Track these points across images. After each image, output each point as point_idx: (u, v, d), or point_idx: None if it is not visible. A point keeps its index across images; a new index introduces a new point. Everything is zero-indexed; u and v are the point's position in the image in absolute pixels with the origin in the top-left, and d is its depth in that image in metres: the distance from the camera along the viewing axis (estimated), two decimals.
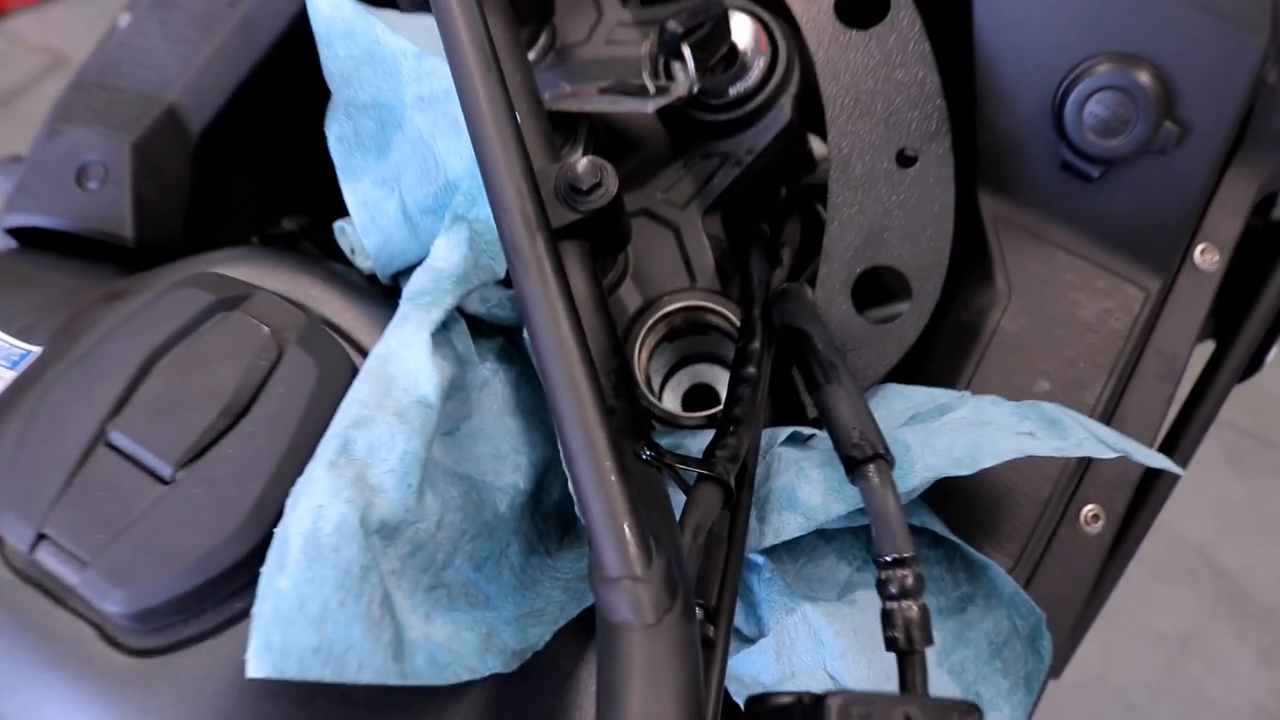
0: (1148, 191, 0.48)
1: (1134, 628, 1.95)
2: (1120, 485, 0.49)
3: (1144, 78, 0.46)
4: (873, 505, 0.34)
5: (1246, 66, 0.46)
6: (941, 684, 0.41)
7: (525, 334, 0.39)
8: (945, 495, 0.45)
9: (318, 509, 0.29)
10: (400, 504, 0.30)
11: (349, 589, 0.29)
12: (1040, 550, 0.48)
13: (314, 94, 0.56)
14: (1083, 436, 0.38)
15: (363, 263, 0.43)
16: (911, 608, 0.32)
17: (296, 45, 0.56)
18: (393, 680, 0.29)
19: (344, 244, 0.44)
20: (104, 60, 0.57)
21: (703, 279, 0.47)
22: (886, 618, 0.32)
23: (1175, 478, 0.60)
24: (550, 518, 0.39)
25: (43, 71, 2.55)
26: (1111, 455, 0.38)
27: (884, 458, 0.35)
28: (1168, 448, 0.61)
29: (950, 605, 0.43)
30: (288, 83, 0.57)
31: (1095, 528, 0.48)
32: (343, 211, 0.45)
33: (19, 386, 0.37)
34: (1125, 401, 0.50)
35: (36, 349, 0.40)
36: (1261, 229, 0.62)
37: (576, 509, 0.35)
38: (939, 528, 0.43)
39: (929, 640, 0.32)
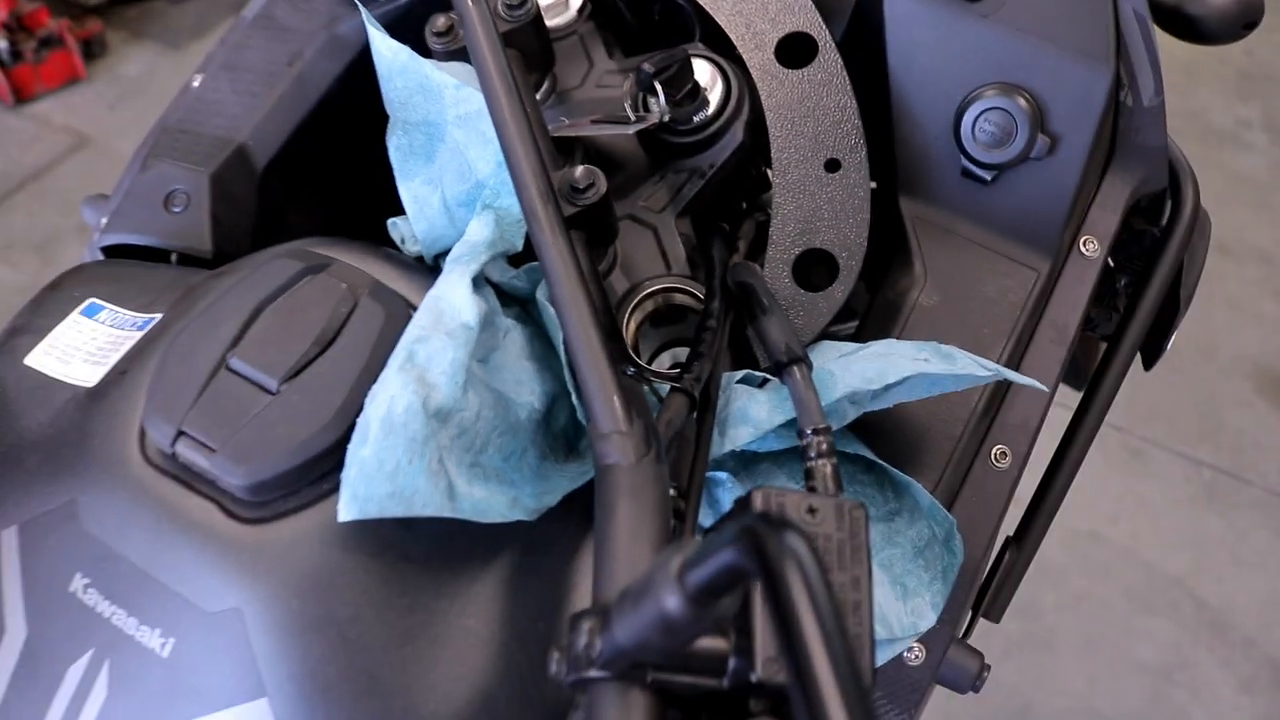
0: (1031, 190, 0.60)
1: (1118, 658, 2.02)
2: (1023, 429, 0.60)
3: (1021, 101, 0.58)
4: (795, 394, 0.45)
5: (1099, 89, 0.58)
6: (874, 573, 0.52)
7: (538, 293, 0.50)
8: (875, 431, 0.57)
9: (390, 398, 0.41)
10: (450, 396, 0.41)
11: (415, 451, 0.40)
12: (958, 482, 0.58)
13: (355, 137, 0.69)
14: (967, 363, 0.49)
15: (411, 248, 0.55)
16: (826, 465, 0.43)
17: (341, 97, 0.69)
18: (447, 513, 0.40)
19: (395, 235, 0.56)
20: (183, 111, 0.70)
21: (677, 267, 0.59)
22: (807, 474, 0.43)
23: (1089, 436, 0.71)
24: (558, 438, 0.50)
25: (67, 151, 2.70)
26: (988, 375, 0.49)
27: (804, 360, 0.46)
28: (1073, 426, 0.72)
29: (880, 516, 0.54)
30: (334, 127, 0.69)
31: (1004, 464, 0.59)
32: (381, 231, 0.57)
33: (151, 336, 0.49)
34: (1025, 362, 0.61)
35: (157, 315, 0.51)
36: (1153, 236, 0.74)
37: (578, 412, 0.47)
38: (869, 455, 0.54)
39: (840, 489, 0.43)
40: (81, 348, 0.52)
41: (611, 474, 0.39)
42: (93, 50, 2.87)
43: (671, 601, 0.27)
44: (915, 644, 0.57)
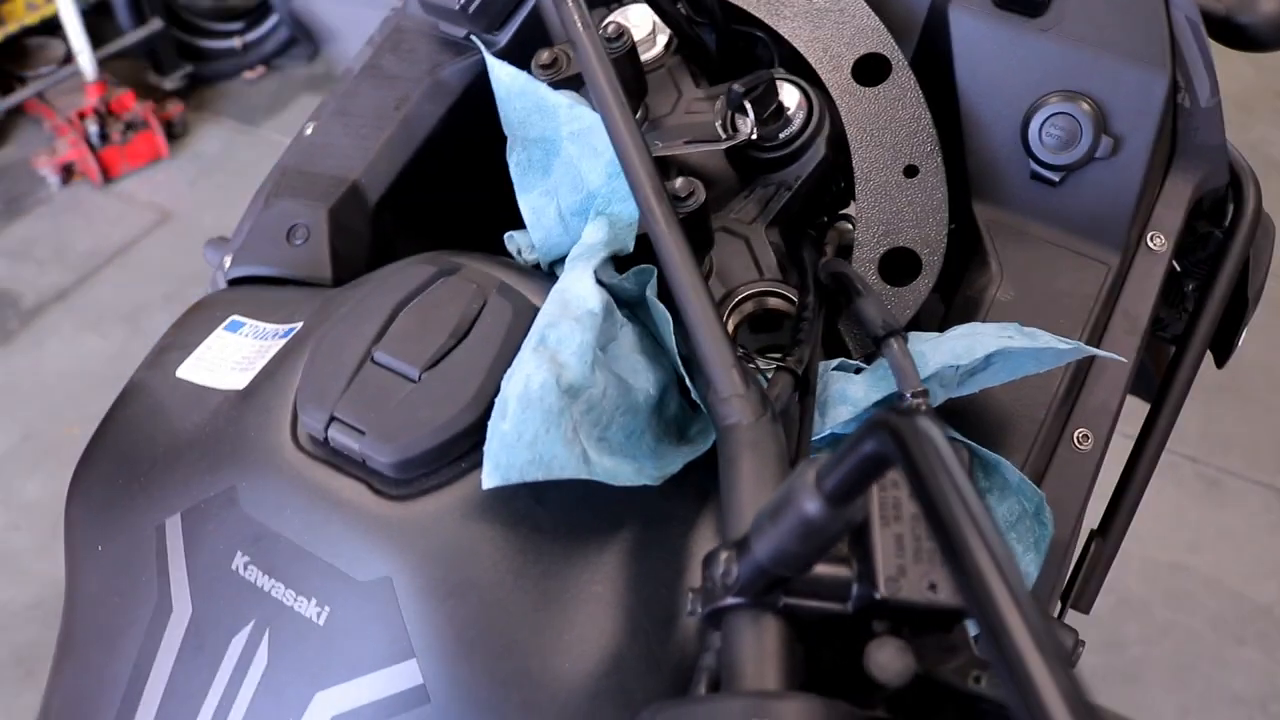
0: (1098, 189, 0.64)
1: (1210, 690, 1.98)
2: (1104, 412, 0.63)
3: (1084, 105, 0.62)
4: (894, 362, 0.49)
5: (1158, 92, 0.62)
6: None
7: (647, 292, 0.54)
8: (962, 417, 0.60)
9: (527, 376, 0.45)
10: (580, 374, 0.46)
11: (551, 422, 0.44)
12: (1043, 463, 0.61)
13: (458, 172, 0.74)
14: (1048, 340, 0.53)
15: (527, 257, 0.60)
16: None
17: (445, 136, 0.75)
18: (584, 475, 0.45)
19: (511, 247, 0.61)
20: (299, 154, 0.76)
21: (769, 274, 0.63)
22: None
23: (1166, 430, 0.74)
24: (670, 425, 0.54)
25: (152, 226, 2.83)
26: (1069, 349, 0.52)
27: (900, 333, 0.50)
28: (1153, 415, 0.75)
29: None
30: (439, 163, 0.75)
31: (1086, 446, 0.62)
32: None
33: (296, 341, 0.54)
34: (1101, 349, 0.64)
35: (298, 324, 0.57)
36: (1218, 238, 0.77)
37: (692, 393, 0.51)
38: (958, 436, 0.57)
39: None
40: (228, 358, 0.57)
41: (733, 432, 0.43)
42: (174, 130, 3.02)
43: (811, 505, 0.30)
44: None
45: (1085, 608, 0.74)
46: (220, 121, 3.15)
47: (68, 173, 2.89)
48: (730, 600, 0.37)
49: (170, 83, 3.09)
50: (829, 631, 0.38)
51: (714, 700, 0.34)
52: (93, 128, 2.80)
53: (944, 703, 0.38)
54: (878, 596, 0.36)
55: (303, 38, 3.25)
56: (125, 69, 3.06)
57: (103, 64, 2.84)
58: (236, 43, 3.24)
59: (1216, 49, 0.70)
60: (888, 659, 0.36)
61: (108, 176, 2.88)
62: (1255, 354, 2.59)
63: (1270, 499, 2.31)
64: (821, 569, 0.37)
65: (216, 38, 3.24)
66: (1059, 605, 0.74)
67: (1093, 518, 0.77)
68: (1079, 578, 0.73)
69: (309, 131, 0.78)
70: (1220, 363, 0.85)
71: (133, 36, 2.94)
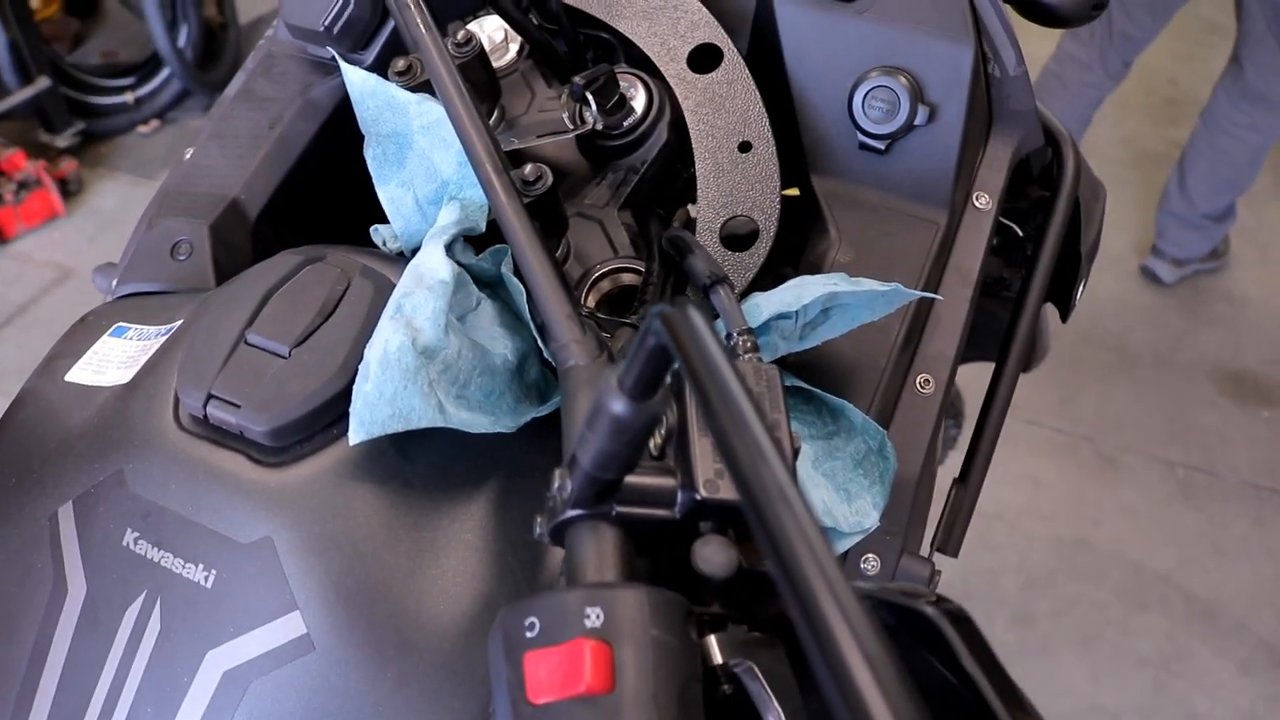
0: (921, 154, 0.70)
1: (1116, 655, 2.07)
2: (942, 360, 0.68)
3: (902, 79, 0.68)
4: (720, 306, 0.54)
5: (965, 62, 0.68)
6: (818, 482, 0.60)
7: (503, 268, 0.58)
8: (809, 369, 0.65)
9: (385, 341, 0.49)
10: (435, 337, 0.50)
11: (409, 378, 0.48)
12: (889, 407, 0.67)
13: (332, 184, 0.78)
14: (870, 284, 0.58)
15: (392, 247, 0.64)
16: (751, 359, 0.51)
17: (318, 151, 0.78)
18: (440, 424, 0.48)
19: (377, 239, 0.65)
20: (179, 177, 0.79)
21: (622, 251, 0.68)
22: None
23: (1013, 377, 0.80)
24: (531, 388, 0.58)
25: (51, 284, 2.78)
26: (888, 289, 0.58)
27: (726, 280, 0.55)
28: (999, 366, 0.81)
29: (820, 436, 0.62)
30: (313, 177, 0.79)
31: (928, 390, 0.67)
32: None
33: (175, 336, 0.57)
34: (935, 304, 0.70)
35: (178, 323, 0.60)
36: (1044, 198, 0.84)
37: (544, 353, 0.55)
38: (805, 385, 0.62)
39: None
40: (114, 359, 0.60)
41: (571, 373, 0.48)
42: (69, 187, 2.99)
43: (616, 403, 0.35)
44: (870, 555, 0.64)
45: (953, 551, 0.80)
46: (116, 176, 3.13)
47: None
48: (569, 513, 0.41)
49: (62, 140, 3.06)
50: (663, 538, 0.42)
51: (556, 593, 0.37)
52: None
53: (771, 595, 0.42)
54: (698, 498, 0.41)
55: (197, 89, 3.25)
56: (14, 129, 3.03)
57: None
58: (129, 97, 3.23)
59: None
60: (711, 553, 0.40)
61: (3, 237, 2.84)
62: (1143, 336, 2.74)
63: (1164, 472, 2.43)
64: (649, 479, 0.41)
65: (108, 94, 3.22)
66: (929, 550, 0.79)
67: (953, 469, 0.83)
68: (942, 523, 0.79)
69: (188, 156, 0.81)
70: (1064, 317, 0.91)
71: (19, 96, 2.91)
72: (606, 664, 0.35)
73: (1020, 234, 0.92)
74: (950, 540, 0.80)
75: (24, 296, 2.74)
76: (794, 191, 0.76)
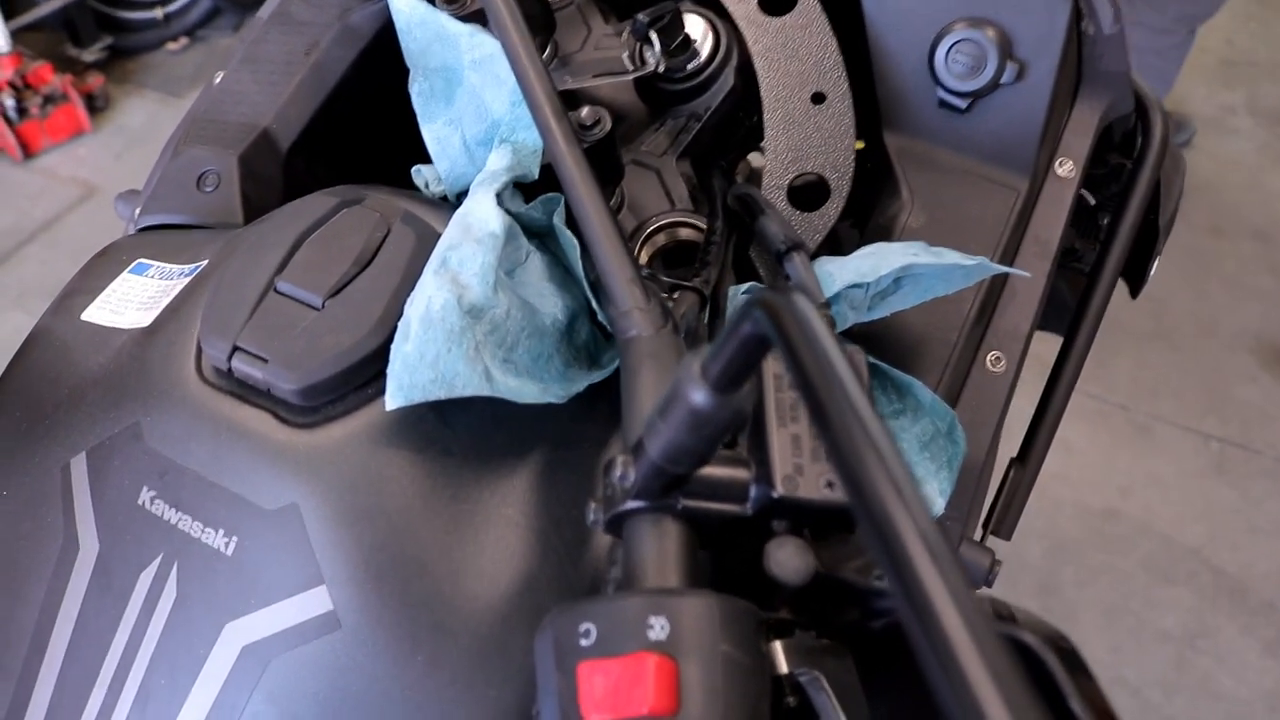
0: (1005, 115, 0.64)
1: (1140, 628, 2.04)
2: (1015, 336, 0.64)
3: (989, 32, 0.63)
4: (795, 277, 0.49)
5: (1061, 18, 0.63)
6: None
7: (555, 219, 0.54)
8: (876, 341, 0.60)
9: (428, 298, 0.45)
10: (482, 295, 0.45)
11: (454, 340, 0.44)
12: (958, 385, 0.62)
13: (370, 117, 0.73)
14: (954, 257, 0.53)
15: (435, 189, 0.59)
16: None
17: (356, 81, 0.74)
18: (486, 393, 0.44)
19: (419, 181, 0.60)
20: (209, 103, 0.74)
21: (680, 204, 0.63)
22: None
23: (1081, 356, 0.75)
24: (580, 351, 0.54)
25: (76, 201, 2.76)
26: (973, 265, 0.53)
27: (802, 246, 0.50)
28: (1068, 342, 0.76)
29: (886, 414, 0.58)
30: (351, 108, 0.74)
31: (1000, 368, 0.63)
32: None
33: (200, 278, 0.53)
34: (1011, 277, 0.65)
35: (203, 263, 0.56)
36: (1130, 170, 0.79)
37: (599, 315, 0.51)
38: (872, 359, 0.58)
39: None
40: (134, 299, 0.56)
41: (633, 344, 0.43)
42: (96, 104, 2.94)
43: (698, 394, 0.30)
44: None
45: (1006, 534, 0.76)
46: (144, 94, 3.08)
47: None
48: (630, 504, 0.37)
49: (89, 55, 3.01)
50: (731, 535, 0.38)
51: (615, 598, 0.34)
52: (9, 102, 2.72)
53: (846, 602, 0.39)
54: (775, 495, 0.37)
55: (228, 7, 3.18)
56: (41, 41, 2.98)
57: (16, 36, 2.76)
58: (158, 13, 3.17)
59: None
60: (786, 557, 0.36)
61: (27, 152, 2.81)
62: (1184, 303, 2.66)
63: (1198, 444, 2.38)
64: (720, 470, 0.37)
65: (137, 8, 3.17)
66: (981, 532, 0.75)
67: (1013, 447, 0.79)
68: (998, 504, 0.75)
69: (218, 80, 0.77)
70: (1135, 293, 0.86)
71: (47, 7, 2.86)
72: (671, 682, 0.32)
73: (1092, 203, 0.86)
74: (1005, 523, 0.76)
75: (48, 213, 2.72)
76: (860, 144, 0.71)
